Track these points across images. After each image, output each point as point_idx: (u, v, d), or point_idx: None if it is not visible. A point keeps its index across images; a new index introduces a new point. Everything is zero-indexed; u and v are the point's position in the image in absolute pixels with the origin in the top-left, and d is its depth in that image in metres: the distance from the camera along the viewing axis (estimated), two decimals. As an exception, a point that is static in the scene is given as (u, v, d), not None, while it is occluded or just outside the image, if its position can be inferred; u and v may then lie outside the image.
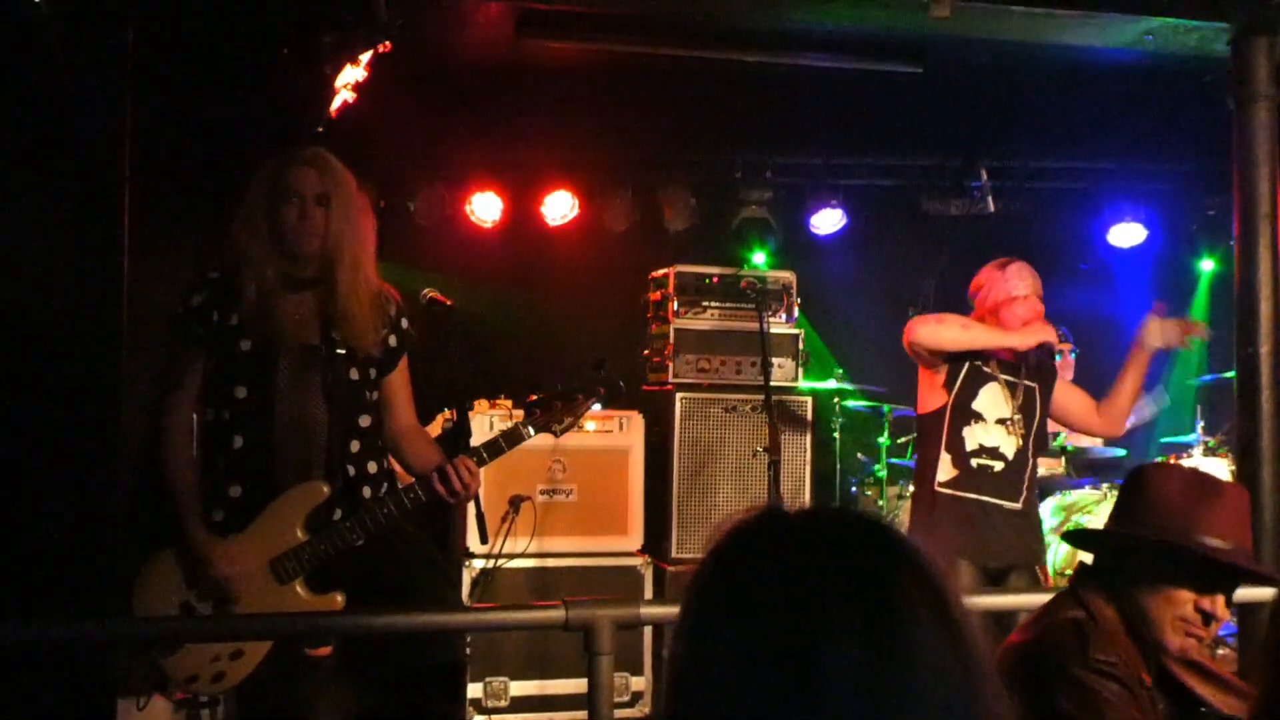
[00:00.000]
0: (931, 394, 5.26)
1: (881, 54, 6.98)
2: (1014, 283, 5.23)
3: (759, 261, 8.62)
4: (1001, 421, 5.16)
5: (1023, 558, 5.17)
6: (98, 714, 4.12)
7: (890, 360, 7.70)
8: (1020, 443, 5.17)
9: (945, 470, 5.16)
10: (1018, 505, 5.16)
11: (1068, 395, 5.37)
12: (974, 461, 5.14)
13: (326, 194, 3.98)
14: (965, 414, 5.17)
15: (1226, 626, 2.81)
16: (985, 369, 5.18)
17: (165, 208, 5.40)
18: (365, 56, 5.43)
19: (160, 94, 4.98)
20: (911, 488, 7.72)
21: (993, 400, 5.17)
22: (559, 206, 8.29)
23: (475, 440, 4.24)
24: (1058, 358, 5.45)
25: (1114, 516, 2.80)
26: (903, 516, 7.80)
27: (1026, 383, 5.24)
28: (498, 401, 6.35)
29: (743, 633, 1.20)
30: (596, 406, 4.47)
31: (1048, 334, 5.13)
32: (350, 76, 5.49)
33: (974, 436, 5.15)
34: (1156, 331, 5.12)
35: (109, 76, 4.26)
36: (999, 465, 5.14)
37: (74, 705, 4.02)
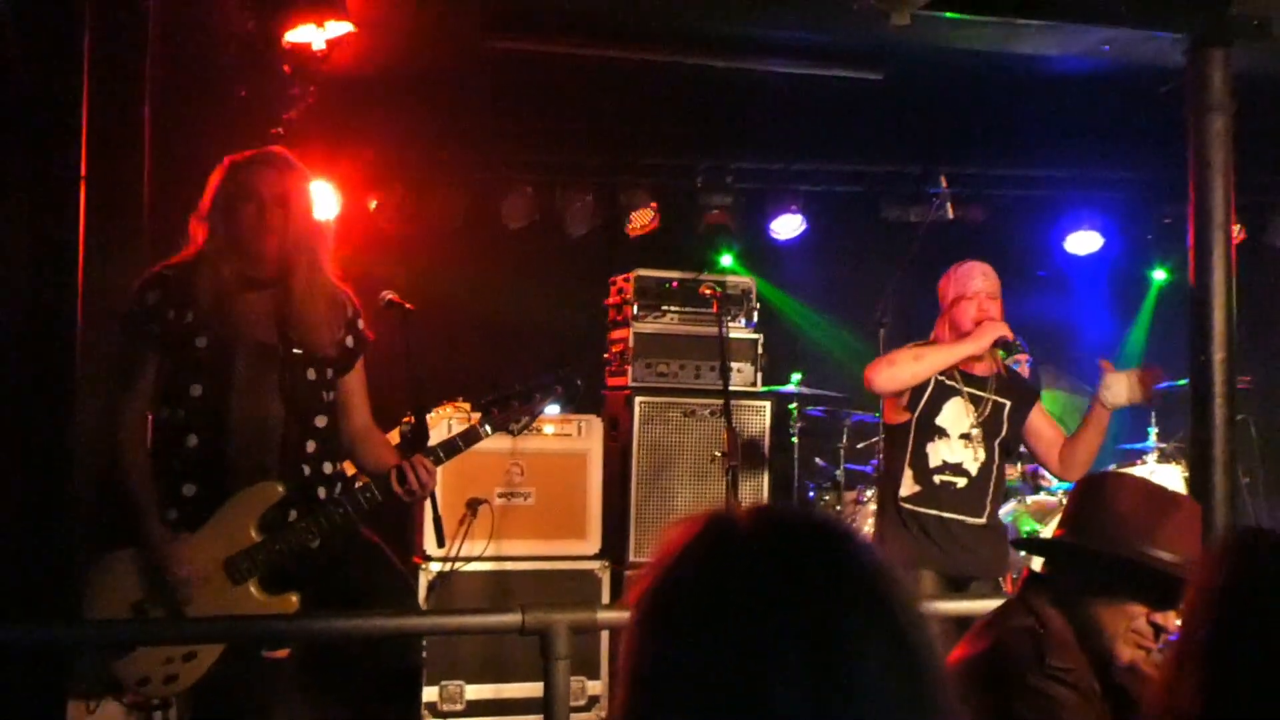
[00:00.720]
0: (896, 410, 5.21)
1: (841, 61, 7.01)
2: (964, 282, 5.19)
3: (726, 264, 8.65)
4: (964, 436, 5.11)
5: (986, 570, 5.13)
6: (48, 717, 4.08)
7: (849, 365, 7.74)
8: (984, 457, 5.11)
9: (908, 485, 5.11)
10: (981, 520, 5.11)
11: (1040, 423, 5.30)
12: (937, 478, 5.08)
13: (285, 194, 3.97)
14: (929, 429, 5.11)
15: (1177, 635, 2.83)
16: (949, 383, 5.13)
17: (122, 205, 5.35)
18: (331, 28, 5.39)
19: (117, 92, 4.94)
20: (871, 493, 7.78)
21: (956, 415, 5.11)
22: (520, 209, 8.27)
23: (432, 441, 4.23)
24: (1016, 365, 5.36)
25: (1066, 525, 2.80)
26: (860, 521, 7.83)
27: (995, 398, 5.17)
28: (456, 403, 6.33)
29: (686, 649, 1.19)
30: (554, 407, 4.48)
31: (999, 329, 5.08)
32: (306, 37, 5.45)
33: (937, 453, 5.09)
34: (1116, 388, 5.05)
35: (66, 74, 4.22)
36: (962, 481, 5.09)
37: (24, 708, 3.98)
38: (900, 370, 5.09)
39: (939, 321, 5.31)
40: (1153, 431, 7.72)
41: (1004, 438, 5.19)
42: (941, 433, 5.10)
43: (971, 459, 5.10)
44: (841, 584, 1.22)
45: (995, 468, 5.17)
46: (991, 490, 5.15)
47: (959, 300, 5.18)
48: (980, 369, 5.19)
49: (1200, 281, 4.87)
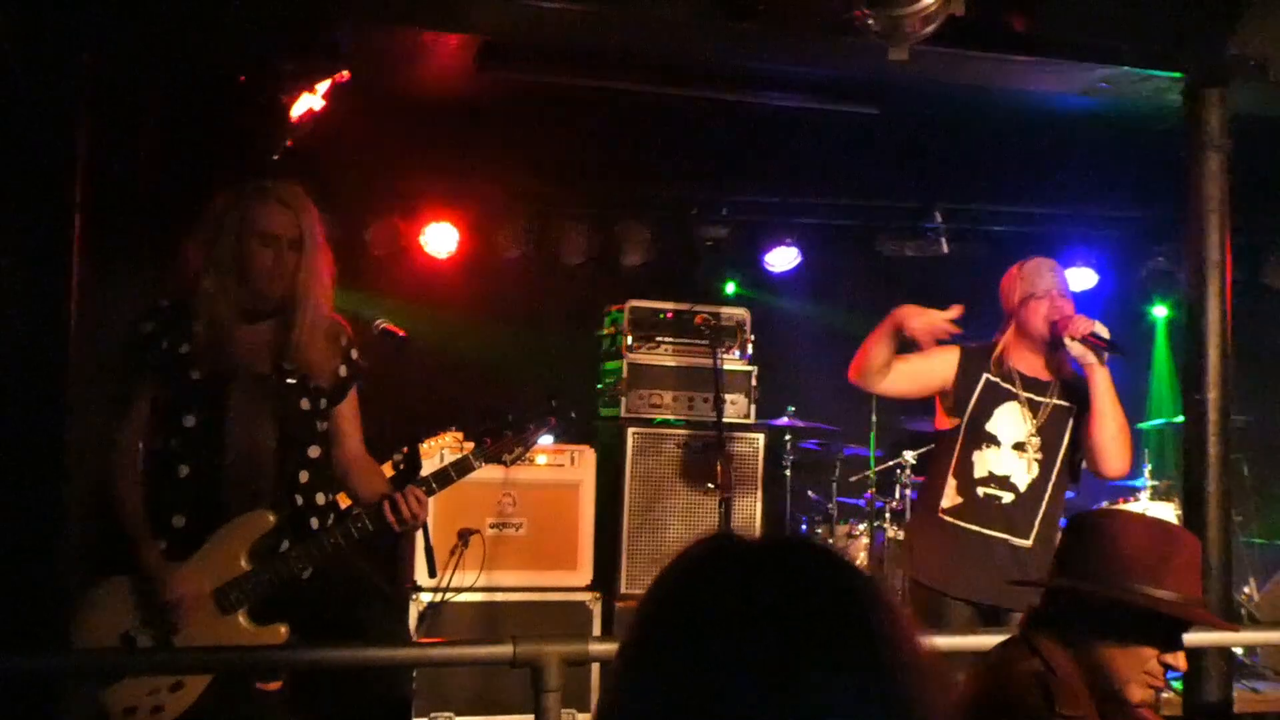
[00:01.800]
0: (944, 414, 4.82)
1: (838, 95, 7.03)
2: (1031, 279, 4.73)
3: (730, 292, 8.68)
4: (1018, 446, 4.65)
5: (1023, 601, 4.61)
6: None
7: (842, 399, 7.73)
8: (1039, 471, 4.64)
9: (950, 496, 4.70)
10: (1027, 543, 4.62)
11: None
12: (980, 490, 4.65)
13: (300, 238, 3.95)
14: (978, 436, 4.67)
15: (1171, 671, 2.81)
16: (1004, 385, 4.71)
17: (117, 233, 5.34)
18: (323, 85, 5.42)
19: (115, 119, 4.94)
20: (864, 527, 7.77)
21: (1010, 421, 4.67)
22: (515, 238, 8.27)
23: (425, 472, 4.21)
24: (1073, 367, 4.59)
25: (1064, 564, 2.77)
26: (853, 555, 7.80)
27: (1057, 401, 4.70)
28: (450, 433, 6.30)
29: (642, 676, 1.17)
30: (548, 438, 4.47)
31: (917, 317, 4.55)
32: (307, 104, 5.47)
33: (984, 463, 4.65)
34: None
35: (63, 101, 4.22)
36: (1009, 497, 4.63)
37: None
38: (861, 362, 4.70)
39: (1003, 326, 4.83)
40: (1145, 469, 7.72)
41: (1066, 448, 4.70)
42: (992, 440, 4.67)
43: (1023, 472, 4.66)
44: (805, 611, 1.16)
45: (1050, 485, 4.68)
46: (1043, 510, 4.65)
47: (1028, 299, 4.70)
48: (1045, 372, 4.71)
49: (1195, 320, 4.88)
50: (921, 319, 4.65)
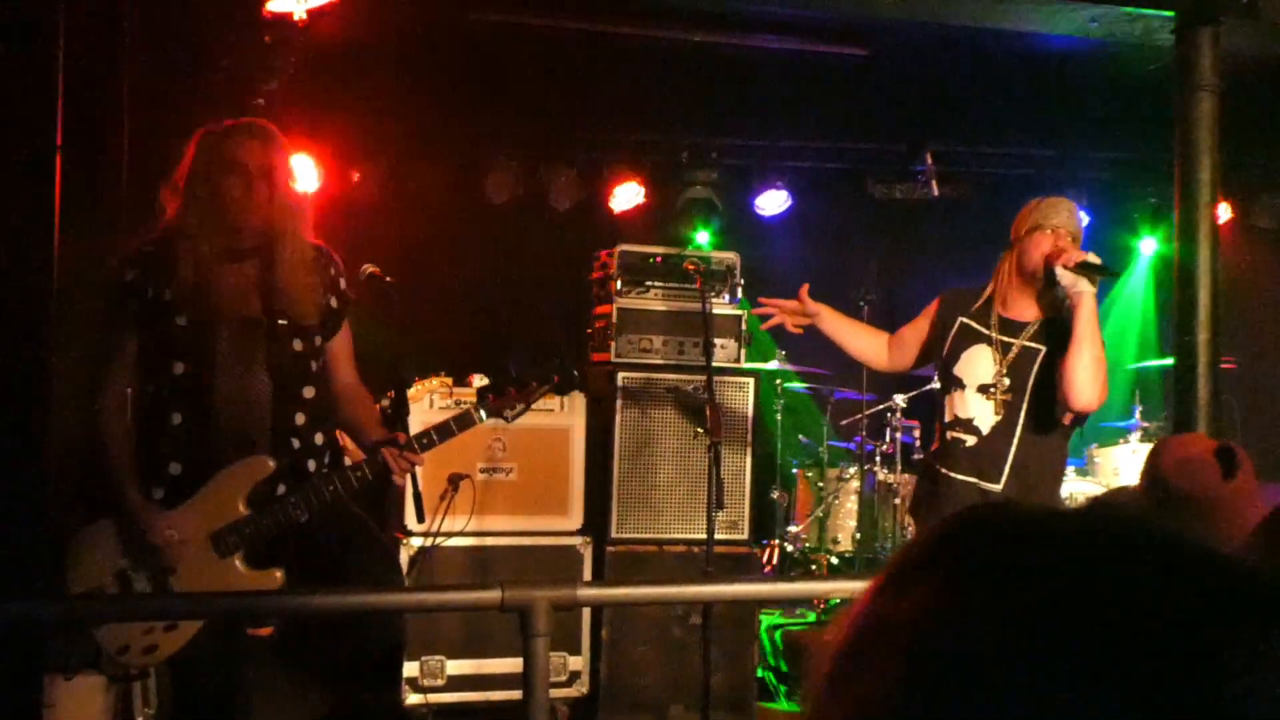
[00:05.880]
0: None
1: (827, 36, 6.99)
2: (1045, 212, 4.52)
3: (703, 241, 8.62)
4: (983, 389, 4.56)
5: None
6: (24, 688, 4.06)
7: (832, 342, 7.72)
8: (1004, 414, 4.51)
9: (936, 440, 4.76)
10: (997, 487, 4.51)
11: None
12: (949, 434, 4.63)
13: (270, 165, 3.92)
14: (949, 380, 4.66)
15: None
16: (976, 326, 4.63)
17: (94, 179, 5.30)
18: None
19: (93, 64, 4.89)
20: (854, 470, 7.79)
21: (976, 364, 4.59)
22: (504, 184, 8.24)
23: (414, 417, 4.21)
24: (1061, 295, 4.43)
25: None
26: (843, 499, 7.83)
27: (1027, 343, 4.52)
28: (437, 376, 6.29)
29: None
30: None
31: None
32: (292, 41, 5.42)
33: (952, 406, 4.63)
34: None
35: (40, 45, 4.17)
36: (971, 440, 4.56)
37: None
38: (865, 363, 5.23)
39: (1004, 257, 4.68)
40: (1136, 410, 7.73)
41: (1032, 388, 4.51)
42: (958, 384, 4.61)
43: (988, 414, 4.55)
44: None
45: (1019, 428, 4.52)
46: (1013, 454, 4.51)
47: (1035, 230, 4.51)
48: (1029, 313, 4.57)
49: (1185, 260, 4.87)
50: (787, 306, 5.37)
